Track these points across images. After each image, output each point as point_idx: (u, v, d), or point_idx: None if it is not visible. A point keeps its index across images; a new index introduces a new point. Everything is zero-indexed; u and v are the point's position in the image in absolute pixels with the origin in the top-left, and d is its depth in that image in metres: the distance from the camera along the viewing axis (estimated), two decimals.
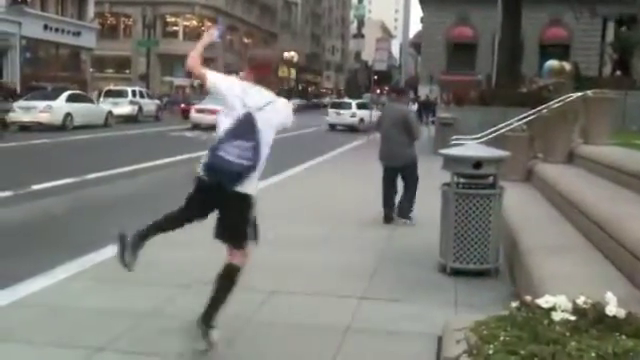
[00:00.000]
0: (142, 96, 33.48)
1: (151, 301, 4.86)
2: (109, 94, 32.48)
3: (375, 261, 6.23)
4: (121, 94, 32.46)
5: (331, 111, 33.60)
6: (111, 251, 6.24)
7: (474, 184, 5.79)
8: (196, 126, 27.62)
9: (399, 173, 8.25)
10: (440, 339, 3.96)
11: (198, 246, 6.63)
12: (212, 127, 21.31)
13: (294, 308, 4.81)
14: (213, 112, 29.31)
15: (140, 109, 32.11)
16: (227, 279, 3.80)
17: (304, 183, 12.05)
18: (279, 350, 4.04)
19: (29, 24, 32.92)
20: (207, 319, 3.76)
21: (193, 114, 28.82)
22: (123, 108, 30.61)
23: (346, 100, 35.91)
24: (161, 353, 3.93)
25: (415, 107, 38.97)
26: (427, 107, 37.07)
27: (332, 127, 32.27)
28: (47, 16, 35.14)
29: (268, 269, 5.81)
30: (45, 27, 34.77)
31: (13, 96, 26.48)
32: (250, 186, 3.76)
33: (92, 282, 5.31)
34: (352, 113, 32.19)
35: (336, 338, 4.21)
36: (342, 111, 32.71)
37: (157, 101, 35.98)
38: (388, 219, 8.12)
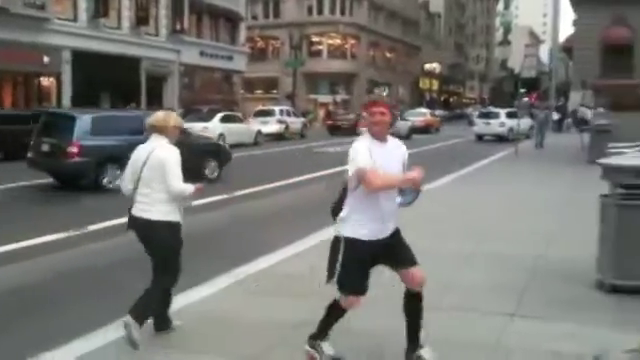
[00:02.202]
0: (289, 114, 34.85)
1: (302, 312, 4.99)
2: (258, 114, 34.20)
3: (526, 276, 5.98)
4: (269, 113, 34.00)
5: (479, 121, 32.89)
6: (264, 262, 6.57)
7: (637, 195, 5.38)
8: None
9: None
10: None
11: None
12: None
13: (441, 323, 4.73)
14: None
15: (287, 127, 33.46)
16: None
17: (451, 195, 11.84)
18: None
19: (187, 51, 35.30)
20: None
21: (361, 128, 31.49)
22: (271, 127, 32.06)
23: (494, 109, 34.86)
24: None
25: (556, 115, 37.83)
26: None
27: (480, 137, 31.55)
28: (203, 43, 37.50)
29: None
30: (201, 53, 37.11)
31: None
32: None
33: (246, 293, 5.56)
34: (501, 122, 31.20)
35: (485, 357, 4.09)
36: (491, 121, 31.87)
37: (302, 119, 37.27)
38: None
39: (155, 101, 33.10)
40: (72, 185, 12.83)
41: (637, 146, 10.44)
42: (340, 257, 3.82)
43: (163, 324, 4.59)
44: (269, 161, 20.95)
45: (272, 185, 13.80)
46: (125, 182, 4.55)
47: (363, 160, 3.64)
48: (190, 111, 29.95)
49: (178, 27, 34.69)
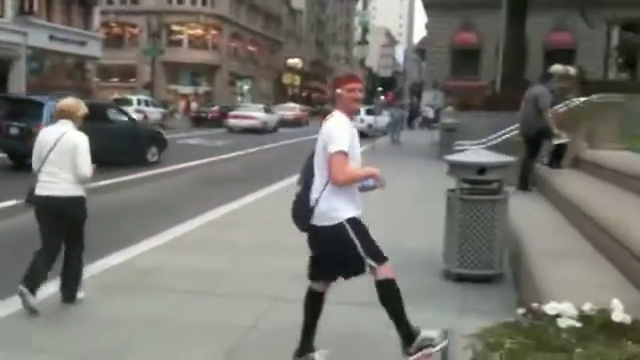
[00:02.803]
0: (147, 104, 34.09)
1: (161, 307, 4.85)
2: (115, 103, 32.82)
3: None
4: (126, 103, 32.68)
5: None
6: (120, 257, 6.32)
7: (479, 190, 5.76)
8: (231, 130, 31.95)
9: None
10: (445, 346, 3.94)
11: (208, 254, 6.65)
12: (246, 131, 22.48)
13: (295, 316, 4.78)
14: (248, 117, 32.71)
15: (145, 117, 32.45)
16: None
17: None
18: (285, 351, 4.02)
19: (35, 34, 33.06)
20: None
21: (230, 120, 33.28)
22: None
23: None
24: None
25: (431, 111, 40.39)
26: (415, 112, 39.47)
27: None
28: (53, 26, 35.30)
29: (272, 276, 5.82)
30: (51, 37, 34.90)
31: None
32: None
33: (101, 289, 5.31)
34: (360, 119, 32.47)
35: (340, 343, 4.19)
36: None
37: (162, 109, 36.46)
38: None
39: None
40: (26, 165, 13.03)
41: (481, 144, 11.23)
42: (354, 237, 3.62)
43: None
44: None
45: (132, 177, 13.31)
46: (34, 162, 4.89)
47: (344, 144, 3.53)
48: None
49: (26, 8, 32.37)
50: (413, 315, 4.78)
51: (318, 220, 3.62)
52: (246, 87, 65.82)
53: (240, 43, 63.80)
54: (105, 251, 6.45)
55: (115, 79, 53.85)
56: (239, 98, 60.94)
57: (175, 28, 56.54)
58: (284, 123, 37.34)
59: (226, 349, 4.11)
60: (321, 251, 3.74)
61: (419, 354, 3.65)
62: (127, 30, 56.88)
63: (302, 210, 3.70)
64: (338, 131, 3.56)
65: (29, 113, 13.88)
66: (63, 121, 4.83)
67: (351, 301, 4.98)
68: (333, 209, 3.60)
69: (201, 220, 8.39)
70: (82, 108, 4.92)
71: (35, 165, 4.86)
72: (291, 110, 44.24)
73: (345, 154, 3.51)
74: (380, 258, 3.69)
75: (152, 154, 16.27)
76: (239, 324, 4.56)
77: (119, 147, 14.47)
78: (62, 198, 4.72)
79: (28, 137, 13.04)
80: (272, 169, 15.75)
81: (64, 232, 4.84)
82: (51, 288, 5.24)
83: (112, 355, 4.01)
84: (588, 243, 5.32)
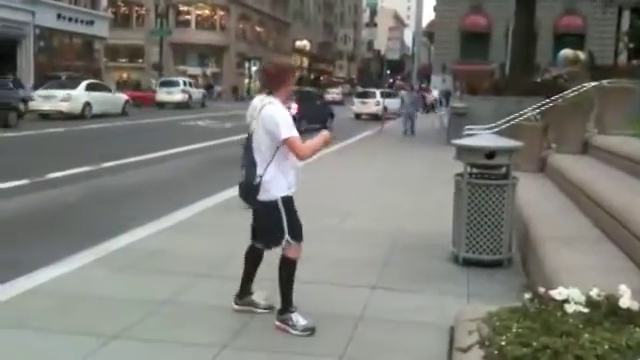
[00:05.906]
0: (191, 86, 38.80)
1: (167, 289, 4.90)
2: (164, 84, 37.27)
3: (387, 251, 6.23)
4: (174, 84, 37.18)
5: (356, 100, 34.36)
6: (127, 239, 6.36)
7: (487, 174, 5.76)
8: None
9: None
10: (452, 330, 3.97)
11: (214, 237, 6.68)
12: None
13: (307, 297, 4.82)
14: None
15: (190, 97, 36.86)
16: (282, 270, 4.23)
17: (318, 170, 12.05)
18: (291, 338, 4.06)
19: (43, 13, 33.04)
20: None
21: None
22: (176, 96, 35.76)
23: (370, 90, 36.85)
24: (176, 341, 3.97)
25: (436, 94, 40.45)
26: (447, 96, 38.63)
27: (357, 116, 32.95)
28: (60, 5, 35.24)
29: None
30: (58, 16, 34.86)
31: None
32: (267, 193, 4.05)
33: (108, 270, 5.36)
34: (377, 102, 32.81)
35: (348, 328, 4.23)
36: (367, 100, 33.46)
37: (203, 90, 41.86)
38: None
39: (8, 65, 30.67)
40: None
41: (490, 128, 11.18)
42: (284, 214, 4.03)
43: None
44: (136, 133, 20.22)
45: (140, 158, 13.35)
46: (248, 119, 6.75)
47: (293, 129, 3.95)
48: (47, 78, 28.16)
49: None
50: (419, 299, 4.83)
51: (260, 195, 4.04)
52: (254, 68, 65.65)
53: (248, 24, 63.51)
54: (112, 232, 6.50)
55: (123, 59, 53.82)
56: (247, 80, 60.83)
57: (183, 8, 56.31)
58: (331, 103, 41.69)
59: (231, 331, 4.15)
60: (257, 221, 4.23)
61: (281, 325, 4.13)
62: (134, 9, 56.69)
63: (248, 189, 4.10)
64: (283, 117, 3.96)
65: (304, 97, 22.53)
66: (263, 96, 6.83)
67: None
68: (272, 187, 4.02)
69: (207, 203, 8.41)
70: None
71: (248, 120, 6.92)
72: (336, 94, 56.92)
73: (297, 136, 3.96)
74: (298, 238, 4.13)
75: (329, 122, 24.12)
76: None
77: (317, 118, 22.39)
78: None
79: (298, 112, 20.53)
80: None
81: None
82: (63, 268, 5.30)
83: (119, 336, 4.06)
84: (596, 228, 5.33)
